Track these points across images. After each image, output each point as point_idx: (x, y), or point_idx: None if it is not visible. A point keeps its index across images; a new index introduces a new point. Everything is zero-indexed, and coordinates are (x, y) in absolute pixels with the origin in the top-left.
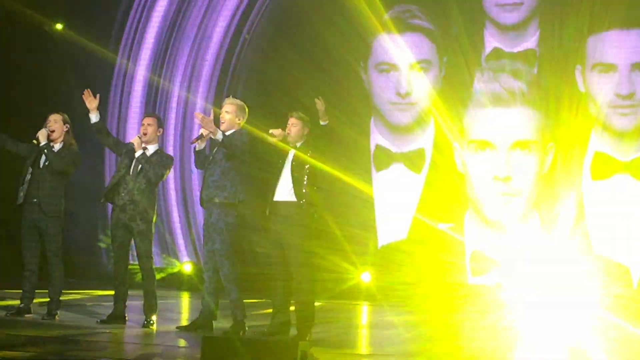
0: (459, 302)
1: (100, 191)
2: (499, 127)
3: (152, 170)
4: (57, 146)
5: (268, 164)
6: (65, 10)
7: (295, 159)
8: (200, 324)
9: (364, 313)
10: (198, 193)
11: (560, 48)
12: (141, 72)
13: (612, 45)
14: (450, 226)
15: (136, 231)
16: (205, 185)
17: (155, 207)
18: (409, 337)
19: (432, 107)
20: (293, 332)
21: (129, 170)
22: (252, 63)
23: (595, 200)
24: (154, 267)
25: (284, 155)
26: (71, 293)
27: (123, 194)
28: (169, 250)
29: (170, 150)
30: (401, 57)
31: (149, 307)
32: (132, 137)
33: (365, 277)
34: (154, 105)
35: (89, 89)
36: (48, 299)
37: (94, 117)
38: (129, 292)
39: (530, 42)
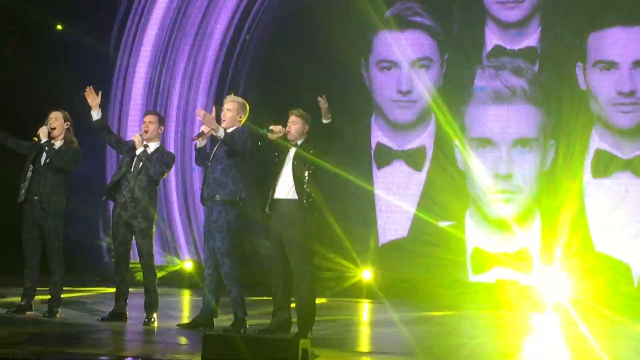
0: (459, 299)
1: (101, 188)
2: (500, 125)
3: (153, 167)
4: (58, 144)
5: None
6: (66, 6)
7: (296, 157)
8: (201, 322)
9: (365, 311)
10: (199, 191)
11: (562, 45)
12: (142, 69)
13: (614, 42)
14: (451, 224)
15: (137, 229)
16: (206, 183)
17: (157, 204)
18: (410, 335)
19: (433, 104)
20: (294, 329)
21: (130, 168)
22: (253, 60)
23: (596, 197)
24: (155, 264)
25: (284, 152)
26: (72, 290)
27: (124, 192)
28: (170, 248)
29: (171, 148)
30: (402, 55)
31: (150, 305)
32: (133, 135)
33: (366, 274)
34: (155, 102)
35: (91, 86)
36: (49, 297)
37: (96, 115)
38: (130, 290)
39: (531, 39)
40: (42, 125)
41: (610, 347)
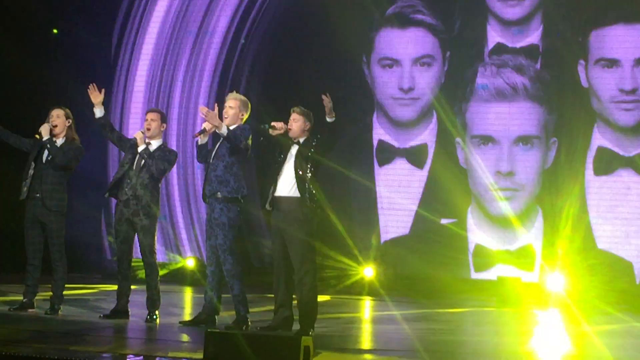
0: (461, 297)
1: (103, 186)
2: (501, 122)
3: (155, 165)
4: (59, 141)
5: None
6: (69, 4)
7: (298, 155)
8: (203, 319)
9: (366, 308)
10: (201, 188)
11: (564, 43)
12: (144, 67)
13: (616, 40)
14: (453, 221)
15: (139, 226)
16: (208, 180)
17: (159, 202)
18: (412, 332)
19: (434, 102)
20: (296, 327)
21: (132, 166)
22: (255, 58)
23: (598, 195)
24: (157, 262)
25: (285, 149)
26: (74, 288)
27: (126, 189)
28: (172, 245)
29: (173, 146)
30: (404, 52)
31: (152, 302)
32: (135, 132)
33: (368, 272)
34: (157, 100)
35: (93, 84)
36: (51, 294)
37: (99, 112)
38: (132, 287)
39: (533, 37)
40: (44, 123)
41: (612, 344)
